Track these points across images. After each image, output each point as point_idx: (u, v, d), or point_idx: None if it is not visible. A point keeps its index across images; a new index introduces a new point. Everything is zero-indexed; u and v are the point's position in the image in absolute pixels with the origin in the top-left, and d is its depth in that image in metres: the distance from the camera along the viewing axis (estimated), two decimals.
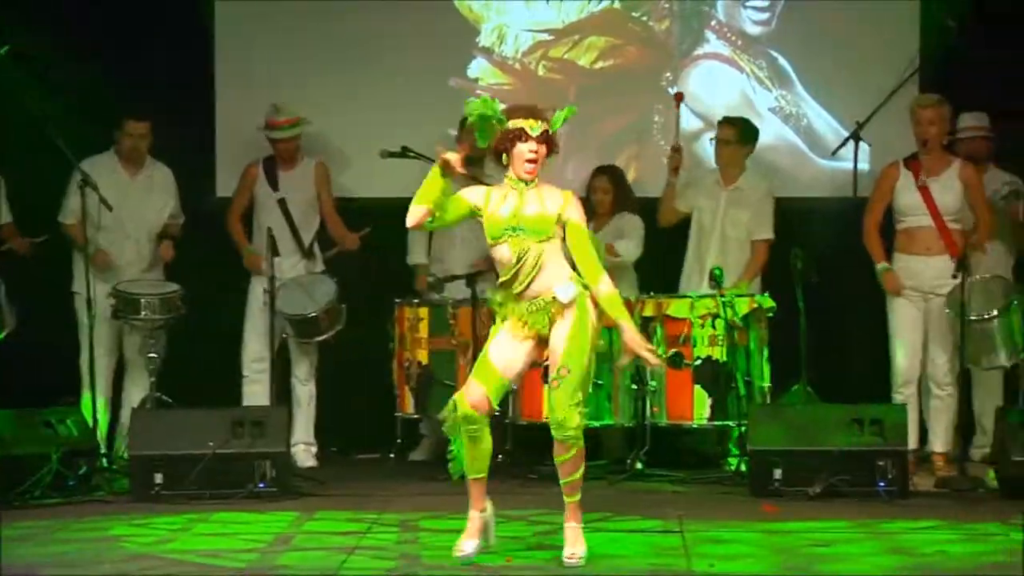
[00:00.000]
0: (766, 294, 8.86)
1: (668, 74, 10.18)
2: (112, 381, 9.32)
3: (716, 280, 8.77)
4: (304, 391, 9.47)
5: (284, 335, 9.20)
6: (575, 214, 6.37)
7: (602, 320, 6.38)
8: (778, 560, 6.43)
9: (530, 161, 6.32)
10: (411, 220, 6.39)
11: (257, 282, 9.36)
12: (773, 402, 8.84)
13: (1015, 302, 8.55)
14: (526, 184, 6.35)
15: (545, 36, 10.22)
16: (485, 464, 6.42)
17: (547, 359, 6.39)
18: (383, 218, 9.24)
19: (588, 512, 7.47)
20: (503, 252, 6.36)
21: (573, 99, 10.09)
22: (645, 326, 8.75)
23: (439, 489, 8.13)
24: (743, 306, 8.78)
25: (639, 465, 8.74)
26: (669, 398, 8.79)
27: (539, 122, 6.34)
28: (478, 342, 8.86)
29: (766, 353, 8.79)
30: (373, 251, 9.61)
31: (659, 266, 9.59)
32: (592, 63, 10.21)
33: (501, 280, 6.40)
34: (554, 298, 6.30)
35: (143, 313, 8.94)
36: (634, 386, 8.76)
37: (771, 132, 10.04)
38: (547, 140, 6.35)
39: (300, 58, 10.04)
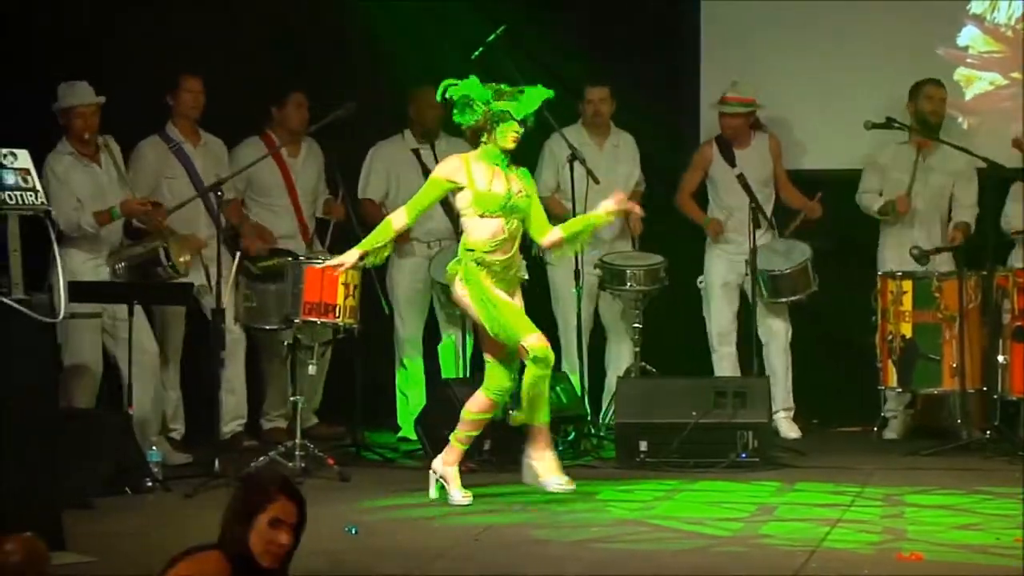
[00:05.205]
0: None
1: None
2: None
3: None
4: (781, 360, 9.46)
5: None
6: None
7: None
8: None
9: (515, 141, 7.04)
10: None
11: (714, 255, 9.47)
12: None
13: None
14: (506, 162, 7.06)
15: None
16: None
17: None
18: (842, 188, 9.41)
19: None
20: (491, 226, 7.01)
21: None
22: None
23: (924, 463, 8.00)
24: None
25: None
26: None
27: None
28: (964, 316, 8.70)
29: None
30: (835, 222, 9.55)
31: None
32: None
33: (479, 249, 6.98)
34: (517, 271, 7.16)
35: (628, 284, 9.10)
36: None
37: None
38: (523, 121, 7.08)
39: (781, 25, 9.99)
